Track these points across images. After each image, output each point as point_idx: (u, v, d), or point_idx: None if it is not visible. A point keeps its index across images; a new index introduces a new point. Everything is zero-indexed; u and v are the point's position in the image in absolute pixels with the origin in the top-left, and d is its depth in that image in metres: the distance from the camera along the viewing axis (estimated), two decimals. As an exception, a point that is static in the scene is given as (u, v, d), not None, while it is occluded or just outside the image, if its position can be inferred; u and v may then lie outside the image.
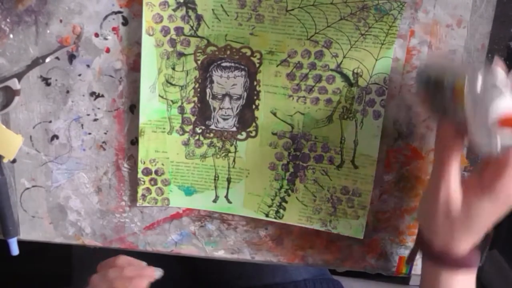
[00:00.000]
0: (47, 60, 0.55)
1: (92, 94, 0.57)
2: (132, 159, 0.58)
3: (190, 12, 0.53)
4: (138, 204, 0.59)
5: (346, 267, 0.62)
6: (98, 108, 0.57)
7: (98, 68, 0.56)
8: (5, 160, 0.58)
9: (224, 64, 0.55)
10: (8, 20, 0.54)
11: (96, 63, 0.56)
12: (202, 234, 0.61)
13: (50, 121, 0.57)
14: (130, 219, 0.61)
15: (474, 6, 0.53)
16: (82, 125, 0.57)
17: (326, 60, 0.54)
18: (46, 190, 0.60)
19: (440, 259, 0.49)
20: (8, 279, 1.15)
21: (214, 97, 0.56)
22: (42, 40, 0.55)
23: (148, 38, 0.54)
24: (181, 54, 0.55)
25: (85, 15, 0.54)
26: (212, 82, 0.56)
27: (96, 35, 0.55)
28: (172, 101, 0.56)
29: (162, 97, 0.56)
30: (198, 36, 0.54)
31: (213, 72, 0.55)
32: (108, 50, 0.55)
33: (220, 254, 0.62)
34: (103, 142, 0.58)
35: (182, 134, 0.57)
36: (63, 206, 0.60)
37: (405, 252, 0.60)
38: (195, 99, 0.56)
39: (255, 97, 0.56)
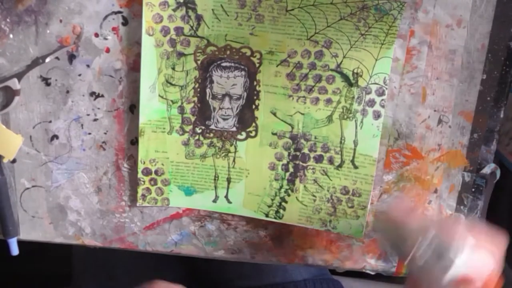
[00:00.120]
0: (47, 60, 0.55)
1: (92, 94, 0.57)
2: (132, 159, 0.58)
3: (190, 12, 0.53)
4: (138, 204, 0.59)
5: (346, 267, 0.62)
6: (98, 108, 0.57)
7: (98, 68, 0.56)
8: (5, 160, 0.58)
9: (224, 64, 0.55)
10: (8, 20, 0.54)
11: (96, 63, 0.56)
12: (202, 234, 0.61)
13: (50, 121, 0.57)
14: (130, 219, 0.61)
15: (474, 6, 0.53)
16: (82, 125, 0.57)
17: (326, 60, 0.54)
18: (46, 190, 0.60)
19: None
20: (8, 279, 1.15)
21: (214, 97, 0.56)
22: (42, 40, 0.55)
23: (148, 38, 0.54)
24: (181, 54, 0.55)
25: (85, 15, 0.54)
26: (212, 82, 0.56)
27: (96, 35, 0.55)
28: (172, 101, 0.56)
29: (162, 97, 0.56)
30: (198, 36, 0.54)
31: (213, 72, 0.55)
32: (108, 50, 0.55)
33: (220, 254, 0.62)
34: (103, 142, 0.58)
35: (182, 134, 0.57)
36: (63, 206, 0.60)
37: (405, 252, 0.60)
38: (195, 99, 0.56)
39: (255, 97, 0.56)
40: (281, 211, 0.58)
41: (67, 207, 0.60)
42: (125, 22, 0.54)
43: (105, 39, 0.55)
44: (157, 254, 0.63)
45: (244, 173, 0.58)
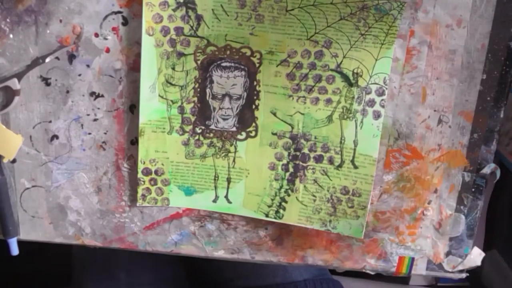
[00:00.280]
0: (47, 60, 0.55)
1: (92, 94, 0.57)
2: (132, 159, 0.58)
3: (190, 12, 0.53)
4: (138, 204, 0.59)
5: (346, 267, 0.62)
6: (98, 108, 0.57)
7: (98, 68, 0.56)
8: (5, 160, 0.58)
9: (224, 64, 0.55)
10: (8, 20, 0.54)
11: (96, 63, 0.56)
12: (202, 234, 0.61)
13: (50, 121, 0.57)
14: (130, 219, 0.61)
15: (474, 6, 0.53)
16: (82, 125, 0.57)
17: (326, 60, 0.54)
18: (46, 190, 0.60)
19: None
20: (8, 279, 1.15)
21: (214, 97, 0.56)
22: (42, 40, 0.55)
23: (148, 38, 0.54)
24: (181, 54, 0.55)
25: (85, 15, 0.54)
26: (212, 82, 0.56)
27: (96, 35, 0.55)
28: (172, 101, 0.56)
29: (162, 97, 0.56)
30: (198, 36, 0.54)
31: (213, 72, 0.55)
32: (108, 50, 0.55)
33: (220, 254, 0.62)
34: (103, 142, 0.58)
35: (182, 134, 0.57)
36: (63, 206, 0.60)
37: (405, 252, 0.60)
38: (195, 99, 0.56)
39: (255, 97, 0.56)
40: (281, 211, 0.58)
41: (67, 207, 0.60)
42: (125, 22, 0.54)
43: (105, 39, 0.55)
44: (157, 254, 0.63)
45: (244, 173, 0.58)
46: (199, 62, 0.55)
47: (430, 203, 0.58)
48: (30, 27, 0.54)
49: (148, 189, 0.59)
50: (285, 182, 0.58)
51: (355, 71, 0.54)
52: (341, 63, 0.54)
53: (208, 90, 0.56)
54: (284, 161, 0.57)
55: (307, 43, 0.54)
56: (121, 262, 0.77)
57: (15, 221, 0.60)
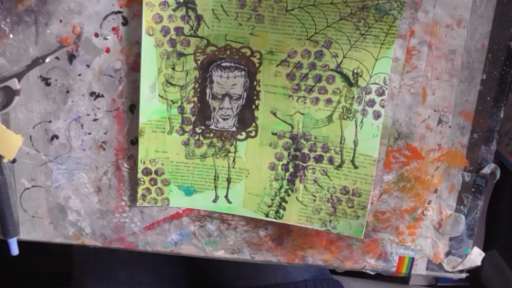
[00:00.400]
0: (47, 60, 0.55)
1: (92, 94, 0.57)
2: (132, 159, 0.58)
3: (190, 12, 0.53)
4: (138, 204, 0.59)
5: (346, 267, 0.62)
6: (98, 108, 0.57)
7: (98, 68, 0.56)
8: (5, 160, 0.58)
9: (224, 64, 0.55)
10: (8, 20, 0.54)
11: (96, 63, 0.56)
12: (202, 234, 0.61)
13: (50, 121, 0.57)
14: (130, 219, 0.61)
15: (474, 6, 0.53)
16: (82, 125, 0.57)
17: (326, 60, 0.54)
18: (46, 190, 0.60)
19: None
20: (8, 279, 1.15)
21: (214, 97, 0.56)
22: (42, 40, 0.55)
23: (148, 38, 0.54)
24: (181, 54, 0.55)
25: (85, 15, 0.54)
26: (212, 82, 0.56)
27: (96, 35, 0.55)
28: (172, 101, 0.56)
29: (162, 97, 0.56)
30: (198, 36, 0.54)
31: (213, 72, 0.55)
32: (108, 50, 0.55)
33: (220, 254, 0.62)
34: (103, 142, 0.58)
35: (182, 134, 0.57)
36: (63, 206, 0.60)
37: (405, 252, 0.60)
38: (195, 99, 0.56)
39: (255, 97, 0.56)
40: (281, 211, 0.58)
41: (67, 207, 0.60)
42: (125, 22, 0.54)
43: (105, 39, 0.55)
44: (157, 254, 0.63)
45: (244, 173, 0.58)
46: (199, 62, 0.55)
47: (430, 203, 0.58)
48: (30, 27, 0.54)
49: (148, 189, 0.59)
50: (285, 182, 0.58)
51: (355, 71, 0.54)
52: (341, 63, 0.54)
53: (208, 90, 0.56)
54: (284, 161, 0.57)
55: (307, 43, 0.54)
56: (121, 262, 0.77)
57: (15, 221, 0.60)
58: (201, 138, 0.57)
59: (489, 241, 0.83)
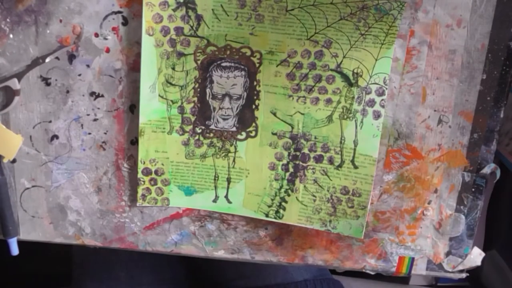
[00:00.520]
0: (47, 60, 0.55)
1: (92, 94, 0.57)
2: (132, 159, 0.58)
3: (190, 12, 0.53)
4: (138, 204, 0.59)
5: (346, 267, 0.62)
6: (98, 108, 0.57)
7: (98, 68, 0.56)
8: (5, 160, 0.58)
9: (224, 64, 0.55)
10: (8, 20, 0.54)
11: (96, 63, 0.56)
12: (202, 234, 0.61)
13: (50, 121, 0.57)
14: (130, 219, 0.61)
15: (474, 6, 0.53)
16: (82, 125, 0.57)
17: (326, 60, 0.54)
18: (46, 190, 0.60)
19: None
20: (8, 279, 1.15)
21: (214, 97, 0.56)
22: (42, 40, 0.55)
23: (148, 38, 0.54)
24: (181, 54, 0.55)
25: (85, 15, 0.54)
26: (212, 82, 0.56)
27: (96, 35, 0.55)
28: (172, 101, 0.56)
29: (162, 97, 0.56)
30: (198, 36, 0.54)
31: (213, 72, 0.55)
32: (108, 50, 0.55)
33: (220, 254, 0.62)
34: (103, 142, 0.58)
35: (182, 134, 0.57)
36: (63, 206, 0.60)
37: (405, 252, 0.60)
38: (195, 99, 0.56)
39: (255, 97, 0.56)
40: (281, 211, 0.58)
41: (67, 207, 0.60)
42: (125, 22, 0.54)
43: (105, 39, 0.55)
44: (157, 254, 0.63)
45: (244, 173, 0.58)
46: (199, 62, 0.55)
47: (430, 203, 0.58)
48: (30, 27, 0.54)
49: (148, 189, 0.59)
50: (285, 182, 0.58)
51: (355, 71, 0.54)
52: (341, 63, 0.54)
53: (208, 90, 0.56)
54: (284, 161, 0.57)
55: (307, 43, 0.54)
56: (121, 262, 0.77)
57: (15, 221, 0.60)
58: (201, 138, 0.57)
59: (489, 241, 0.83)
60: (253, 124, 0.57)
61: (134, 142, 0.58)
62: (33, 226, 0.61)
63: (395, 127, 0.56)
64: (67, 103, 0.57)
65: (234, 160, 0.58)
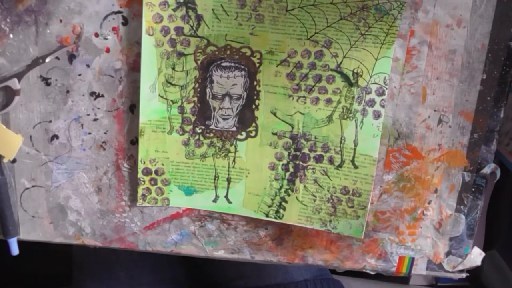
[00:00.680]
0: (47, 60, 0.55)
1: (92, 94, 0.57)
2: (132, 159, 0.58)
3: (190, 12, 0.53)
4: (138, 204, 0.59)
5: (346, 267, 0.62)
6: (98, 108, 0.57)
7: (98, 68, 0.56)
8: (5, 160, 0.58)
9: (224, 64, 0.55)
10: (8, 20, 0.54)
11: (96, 63, 0.56)
12: (202, 234, 0.61)
13: (50, 121, 0.57)
14: (130, 219, 0.61)
15: (474, 6, 0.53)
16: (82, 125, 0.57)
17: (326, 60, 0.54)
18: (46, 190, 0.60)
19: None
20: (8, 279, 1.15)
21: (214, 97, 0.56)
22: (42, 40, 0.55)
23: (148, 38, 0.54)
24: (181, 54, 0.55)
25: (85, 15, 0.54)
26: (212, 82, 0.56)
27: (96, 35, 0.55)
28: (172, 101, 0.56)
29: (162, 97, 0.56)
30: (198, 36, 0.54)
31: (213, 72, 0.55)
32: (108, 50, 0.55)
33: (220, 254, 0.62)
34: (103, 142, 0.58)
35: (182, 134, 0.57)
36: (63, 206, 0.60)
37: (405, 252, 0.60)
38: (195, 99, 0.56)
39: (255, 97, 0.56)
40: (281, 211, 0.58)
41: (67, 207, 0.60)
42: (125, 22, 0.54)
43: (105, 39, 0.55)
44: (157, 254, 0.63)
45: (244, 173, 0.58)
46: (199, 62, 0.55)
47: (430, 203, 0.58)
48: (30, 27, 0.54)
49: (148, 189, 0.59)
50: (285, 182, 0.58)
51: (355, 71, 0.54)
52: (341, 63, 0.54)
53: (208, 90, 0.56)
54: (284, 161, 0.57)
55: (307, 43, 0.54)
56: (121, 262, 0.77)
57: (15, 221, 0.60)
58: (201, 138, 0.57)
59: (489, 241, 0.83)
60: (253, 124, 0.57)
61: (134, 142, 0.58)
62: (33, 226, 0.61)
63: (395, 127, 0.56)
64: (67, 103, 0.57)
65: (234, 160, 0.58)
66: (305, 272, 0.73)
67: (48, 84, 0.56)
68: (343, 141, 0.56)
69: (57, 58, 0.55)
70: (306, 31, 0.53)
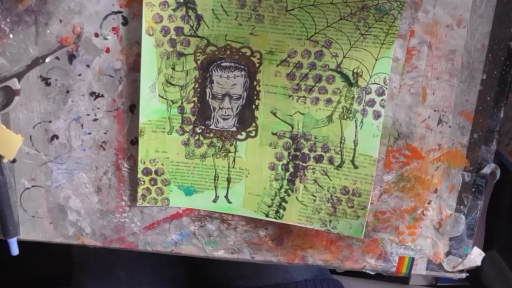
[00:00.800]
0: (47, 60, 0.55)
1: (92, 94, 0.57)
2: (132, 159, 0.58)
3: (190, 12, 0.53)
4: (138, 204, 0.59)
5: (346, 267, 0.62)
6: (98, 108, 0.57)
7: (98, 68, 0.56)
8: (5, 160, 0.58)
9: (224, 64, 0.55)
10: (8, 20, 0.54)
11: (96, 63, 0.56)
12: (202, 234, 0.61)
13: (50, 121, 0.57)
14: (130, 219, 0.61)
15: (474, 6, 0.53)
16: (82, 125, 0.57)
17: (326, 60, 0.54)
18: (46, 190, 0.60)
19: None
20: (8, 279, 1.15)
21: (214, 97, 0.56)
22: (42, 40, 0.55)
23: (148, 38, 0.54)
24: (181, 54, 0.55)
25: (85, 15, 0.54)
26: (212, 82, 0.56)
27: (96, 35, 0.55)
28: (172, 101, 0.56)
29: (162, 97, 0.56)
30: (198, 36, 0.54)
31: (213, 72, 0.55)
32: (108, 50, 0.55)
33: (220, 254, 0.62)
34: (103, 142, 0.58)
35: (182, 134, 0.57)
36: (63, 206, 0.60)
37: (405, 252, 0.60)
38: (195, 99, 0.56)
39: (255, 97, 0.56)
40: (281, 211, 0.58)
41: (67, 207, 0.60)
42: (125, 22, 0.54)
43: (105, 39, 0.55)
44: (157, 254, 0.63)
45: (244, 173, 0.58)
46: (199, 62, 0.55)
47: (430, 203, 0.58)
48: (30, 27, 0.54)
49: (148, 189, 0.59)
50: (285, 182, 0.58)
51: (355, 71, 0.54)
52: (341, 63, 0.54)
53: (208, 90, 0.56)
54: (284, 161, 0.57)
55: (307, 43, 0.54)
56: (121, 262, 0.77)
57: (15, 221, 0.60)
58: (201, 138, 0.57)
59: (489, 241, 0.83)
60: (253, 124, 0.57)
61: (134, 142, 0.58)
62: (33, 226, 0.61)
63: (395, 127, 0.56)
64: (67, 103, 0.57)
65: (234, 160, 0.58)
66: (305, 272, 0.73)
67: (48, 84, 0.56)
68: (343, 141, 0.56)
69: (57, 58, 0.55)
70: (306, 31, 0.53)
